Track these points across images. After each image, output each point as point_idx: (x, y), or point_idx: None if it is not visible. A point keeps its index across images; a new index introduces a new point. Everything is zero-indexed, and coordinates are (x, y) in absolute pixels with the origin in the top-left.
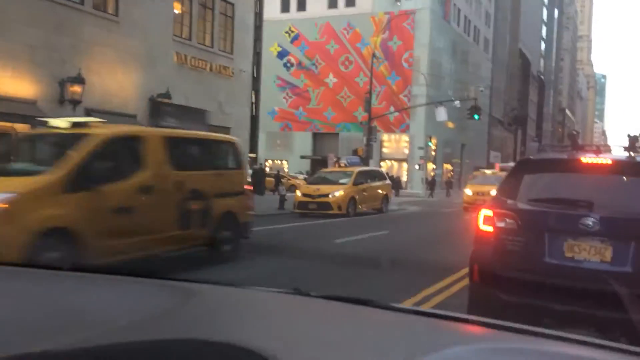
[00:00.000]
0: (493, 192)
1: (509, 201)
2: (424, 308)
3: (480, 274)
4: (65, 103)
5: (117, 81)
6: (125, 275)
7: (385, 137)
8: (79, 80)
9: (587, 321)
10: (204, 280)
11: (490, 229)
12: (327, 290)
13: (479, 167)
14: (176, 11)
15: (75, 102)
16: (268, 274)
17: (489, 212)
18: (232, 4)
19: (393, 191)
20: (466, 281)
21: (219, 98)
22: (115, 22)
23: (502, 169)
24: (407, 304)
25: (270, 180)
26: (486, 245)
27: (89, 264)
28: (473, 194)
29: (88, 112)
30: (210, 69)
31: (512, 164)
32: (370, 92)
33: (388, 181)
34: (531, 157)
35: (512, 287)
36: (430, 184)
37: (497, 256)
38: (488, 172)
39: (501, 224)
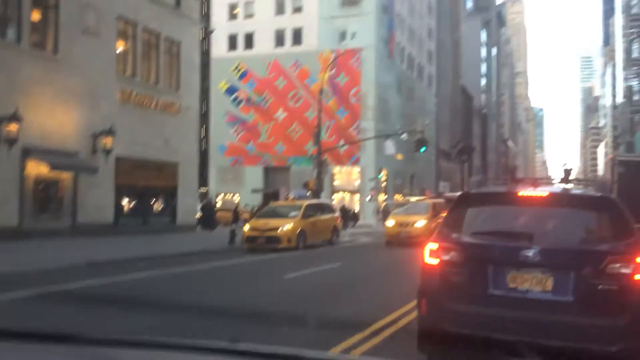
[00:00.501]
0: (420, 224)
1: (454, 234)
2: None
3: (428, 307)
4: (0, 142)
5: (56, 119)
6: (43, 339)
7: (336, 169)
8: (15, 118)
9: (533, 350)
10: (126, 340)
11: (435, 262)
12: (276, 335)
13: (404, 194)
14: (120, 49)
15: (11, 141)
16: (212, 318)
17: (435, 246)
18: (178, 42)
19: (351, 222)
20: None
21: (165, 134)
22: (55, 61)
23: (448, 199)
24: (356, 339)
25: (226, 215)
26: (432, 278)
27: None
28: (395, 225)
29: (25, 151)
30: (156, 106)
31: (458, 193)
32: (319, 126)
33: (337, 213)
34: (472, 190)
35: (459, 319)
36: (383, 214)
37: (444, 289)
38: (413, 199)
39: (446, 257)
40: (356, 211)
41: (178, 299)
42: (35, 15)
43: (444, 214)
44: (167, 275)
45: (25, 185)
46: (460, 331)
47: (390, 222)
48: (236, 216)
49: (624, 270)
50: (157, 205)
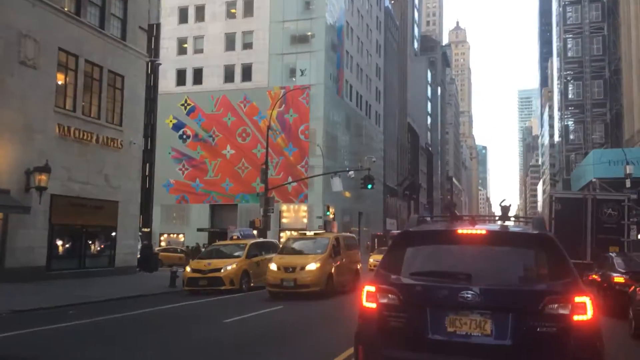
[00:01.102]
0: (311, 267)
1: (392, 276)
2: None
3: (365, 355)
4: None
5: None
6: None
7: (284, 207)
8: None
9: None
10: None
11: (373, 305)
12: None
13: (350, 231)
14: (60, 82)
15: None
16: None
17: (372, 288)
18: (122, 76)
19: None
20: None
21: (105, 171)
22: None
23: (391, 236)
24: None
25: (168, 255)
26: (370, 323)
27: None
28: (279, 269)
29: None
30: (97, 141)
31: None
32: (266, 163)
33: None
34: (411, 229)
35: None
36: None
37: (381, 334)
38: (310, 233)
39: (384, 300)
40: None
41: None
42: None
43: (351, 252)
44: (89, 324)
45: None
46: None
47: (272, 266)
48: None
49: (562, 311)
50: (95, 246)
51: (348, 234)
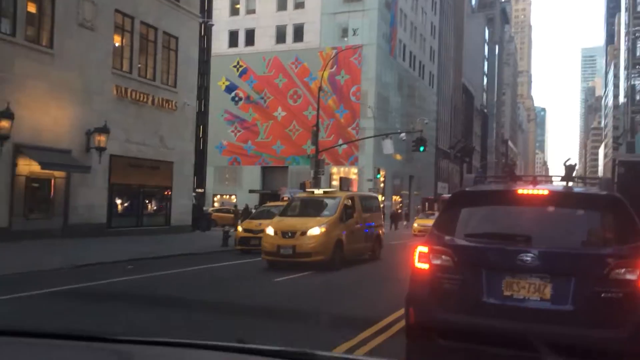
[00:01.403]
0: (314, 231)
1: (446, 237)
2: (366, 357)
3: (417, 317)
4: None
5: (49, 115)
6: (62, 339)
7: (334, 169)
8: (7, 115)
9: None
10: (142, 340)
11: (426, 266)
12: (269, 338)
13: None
14: (116, 44)
15: (2, 138)
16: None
17: (425, 249)
18: (176, 38)
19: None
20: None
21: (161, 132)
22: (50, 55)
23: (443, 200)
24: (344, 348)
25: (221, 216)
26: (422, 285)
27: (26, 328)
28: (276, 234)
29: (17, 148)
30: (152, 103)
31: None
32: (317, 125)
33: None
34: (467, 189)
35: (451, 331)
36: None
37: (434, 297)
38: (318, 191)
39: (437, 261)
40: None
41: (179, 298)
42: (31, 7)
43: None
44: (164, 276)
45: (15, 184)
46: (451, 344)
47: (269, 230)
48: (245, 217)
49: (630, 277)
50: (152, 206)
51: (369, 193)
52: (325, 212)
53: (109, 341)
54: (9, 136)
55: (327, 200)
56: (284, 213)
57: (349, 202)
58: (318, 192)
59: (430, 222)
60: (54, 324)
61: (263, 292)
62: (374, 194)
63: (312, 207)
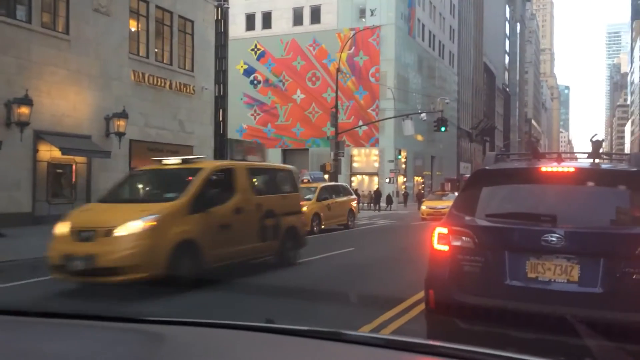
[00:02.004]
0: (127, 231)
1: (466, 217)
2: (394, 336)
3: (436, 300)
4: (12, 125)
5: (68, 101)
6: (92, 320)
7: (355, 151)
8: (26, 101)
9: (555, 349)
10: (171, 320)
11: (445, 248)
12: (293, 318)
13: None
14: (132, 29)
15: (23, 124)
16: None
17: (444, 230)
18: (192, 21)
19: (383, 204)
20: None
21: (179, 116)
22: (66, 41)
23: (465, 180)
24: (387, 316)
25: None
26: (442, 267)
27: (57, 309)
28: (65, 237)
29: (37, 134)
30: (170, 87)
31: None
32: (336, 107)
33: (353, 195)
34: (487, 167)
35: (472, 314)
36: (404, 197)
37: (454, 279)
38: (172, 161)
39: (457, 243)
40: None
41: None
42: None
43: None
44: None
45: (37, 170)
46: (473, 327)
47: (60, 229)
48: None
49: None
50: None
51: (276, 164)
52: (170, 195)
53: (138, 321)
54: (29, 122)
55: (179, 175)
56: (104, 197)
57: (221, 177)
58: (170, 161)
59: (441, 203)
60: (79, 305)
61: (287, 273)
62: (288, 167)
63: (155, 188)
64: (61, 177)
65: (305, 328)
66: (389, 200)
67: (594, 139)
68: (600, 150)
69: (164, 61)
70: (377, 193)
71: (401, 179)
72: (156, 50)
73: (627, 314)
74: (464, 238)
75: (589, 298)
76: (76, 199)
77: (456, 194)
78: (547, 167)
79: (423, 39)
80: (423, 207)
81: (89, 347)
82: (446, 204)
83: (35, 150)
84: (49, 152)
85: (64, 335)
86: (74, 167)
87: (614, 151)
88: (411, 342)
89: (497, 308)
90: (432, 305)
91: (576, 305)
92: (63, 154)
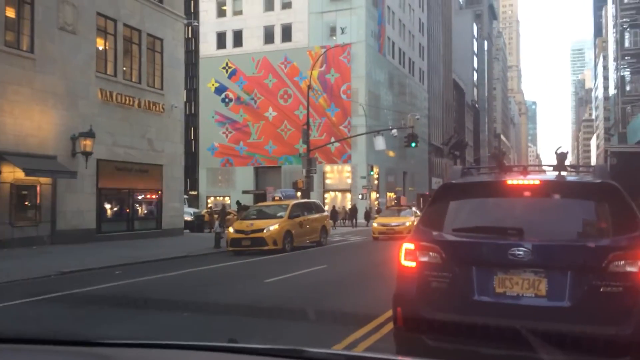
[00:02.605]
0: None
1: (433, 232)
2: (355, 352)
3: (404, 317)
4: None
5: (33, 121)
6: (44, 344)
7: (327, 168)
8: None
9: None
10: (125, 343)
11: (412, 264)
12: (260, 337)
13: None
14: (99, 47)
15: None
16: (191, 324)
17: (411, 245)
18: (161, 39)
19: (361, 220)
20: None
21: (148, 135)
22: (31, 59)
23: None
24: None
25: (216, 218)
26: (409, 283)
27: (7, 334)
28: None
29: (0, 155)
30: (139, 106)
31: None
32: (307, 124)
33: (326, 212)
34: (454, 181)
35: (440, 331)
36: (377, 213)
37: (422, 296)
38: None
39: (424, 259)
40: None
41: (171, 300)
42: (9, 12)
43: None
44: (154, 280)
45: (0, 192)
46: (441, 345)
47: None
48: (223, 217)
49: (629, 269)
50: (142, 209)
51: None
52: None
53: (94, 345)
54: None
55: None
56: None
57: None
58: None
59: (395, 220)
60: (39, 330)
61: (255, 292)
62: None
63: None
64: (25, 199)
65: (267, 346)
66: (367, 216)
67: (558, 152)
68: (566, 163)
69: (133, 79)
70: (353, 209)
71: (374, 195)
72: (124, 68)
73: (595, 327)
74: (431, 253)
75: (557, 312)
76: (41, 221)
77: (414, 209)
78: (513, 180)
79: (393, 57)
80: (374, 225)
81: None
82: (401, 220)
83: None
84: (12, 174)
85: None
86: (38, 188)
87: (581, 164)
88: (372, 358)
89: (466, 324)
90: (400, 323)
91: (545, 319)
92: (27, 174)
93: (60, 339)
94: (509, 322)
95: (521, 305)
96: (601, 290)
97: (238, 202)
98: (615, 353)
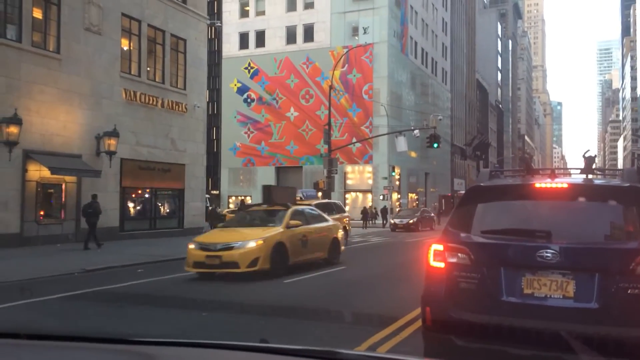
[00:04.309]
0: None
1: (462, 234)
2: (389, 354)
3: (433, 317)
4: (0, 145)
5: (58, 120)
6: (83, 341)
7: (349, 168)
8: (16, 120)
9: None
10: (163, 341)
11: (441, 265)
12: (285, 337)
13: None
14: (124, 47)
15: (11, 144)
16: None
17: (440, 247)
18: (184, 40)
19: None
20: (416, 325)
21: (171, 135)
22: (57, 60)
23: (460, 197)
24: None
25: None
26: (438, 283)
27: (47, 331)
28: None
29: (26, 154)
30: (162, 105)
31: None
32: (329, 124)
33: (346, 213)
34: (482, 183)
35: (468, 331)
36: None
37: (450, 296)
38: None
39: (453, 260)
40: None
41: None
42: (36, 13)
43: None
44: (177, 278)
45: (26, 190)
46: (469, 345)
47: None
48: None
49: None
50: (164, 208)
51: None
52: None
53: (129, 343)
54: (18, 142)
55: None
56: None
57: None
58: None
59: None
60: (69, 327)
61: (276, 292)
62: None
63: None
64: (50, 197)
65: (301, 347)
66: (384, 215)
67: (586, 155)
68: (593, 166)
69: (156, 79)
70: (384, 210)
71: (395, 195)
72: (148, 68)
73: (622, 329)
74: (459, 255)
75: (585, 313)
76: (66, 219)
77: (423, 208)
78: (541, 183)
79: (416, 57)
80: (392, 221)
81: None
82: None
83: (25, 170)
84: (38, 172)
85: (54, 357)
86: (63, 186)
87: (607, 166)
88: None
89: (494, 324)
90: (428, 323)
91: (572, 321)
92: (52, 173)
93: (99, 336)
94: (536, 322)
95: (549, 307)
96: (629, 292)
97: (242, 202)
98: None
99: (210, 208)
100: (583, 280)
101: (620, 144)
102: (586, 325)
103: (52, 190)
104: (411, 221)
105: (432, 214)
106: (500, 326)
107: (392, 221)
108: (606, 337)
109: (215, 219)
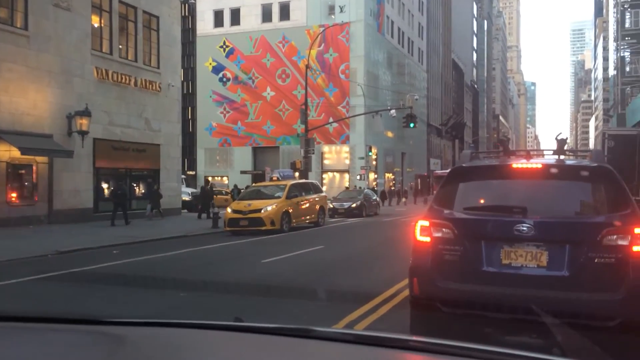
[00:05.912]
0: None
1: (445, 211)
2: (365, 331)
3: (420, 286)
4: None
5: (28, 99)
6: (53, 322)
7: (326, 148)
8: None
9: (527, 328)
10: (134, 321)
11: (427, 239)
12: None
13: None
14: (95, 24)
15: None
16: (192, 301)
17: (426, 223)
18: (157, 17)
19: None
20: (394, 302)
21: (145, 114)
22: (25, 37)
23: (438, 177)
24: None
25: (218, 198)
26: (424, 256)
27: (16, 312)
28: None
29: None
30: (135, 84)
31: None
32: (305, 104)
33: (324, 193)
34: (464, 164)
35: (453, 299)
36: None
37: (436, 267)
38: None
39: (438, 234)
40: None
41: (168, 279)
42: None
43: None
44: (155, 259)
45: None
46: (453, 311)
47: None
48: (210, 197)
49: (621, 242)
50: (139, 189)
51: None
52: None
53: (100, 323)
54: None
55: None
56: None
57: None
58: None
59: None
60: (41, 309)
61: (253, 272)
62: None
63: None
64: (21, 178)
65: (275, 325)
66: (384, 196)
67: (558, 137)
68: (565, 147)
69: (129, 57)
70: (383, 193)
71: (372, 175)
72: (120, 46)
73: (590, 293)
74: (444, 230)
75: (557, 281)
76: (38, 200)
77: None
78: (518, 164)
79: (392, 36)
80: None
81: (50, 351)
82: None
83: None
84: (7, 152)
85: (23, 338)
86: (34, 167)
87: (579, 146)
88: (383, 337)
89: (476, 292)
90: (416, 292)
91: (545, 287)
92: (23, 153)
93: (70, 317)
94: (514, 289)
95: (525, 275)
96: (596, 261)
97: (235, 186)
98: (608, 316)
99: (207, 188)
100: (555, 251)
101: (592, 123)
102: (558, 291)
103: (23, 171)
104: (354, 205)
105: (376, 198)
106: (481, 293)
107: (332, 205)
108: (575, 301)
109: (208, 198)
